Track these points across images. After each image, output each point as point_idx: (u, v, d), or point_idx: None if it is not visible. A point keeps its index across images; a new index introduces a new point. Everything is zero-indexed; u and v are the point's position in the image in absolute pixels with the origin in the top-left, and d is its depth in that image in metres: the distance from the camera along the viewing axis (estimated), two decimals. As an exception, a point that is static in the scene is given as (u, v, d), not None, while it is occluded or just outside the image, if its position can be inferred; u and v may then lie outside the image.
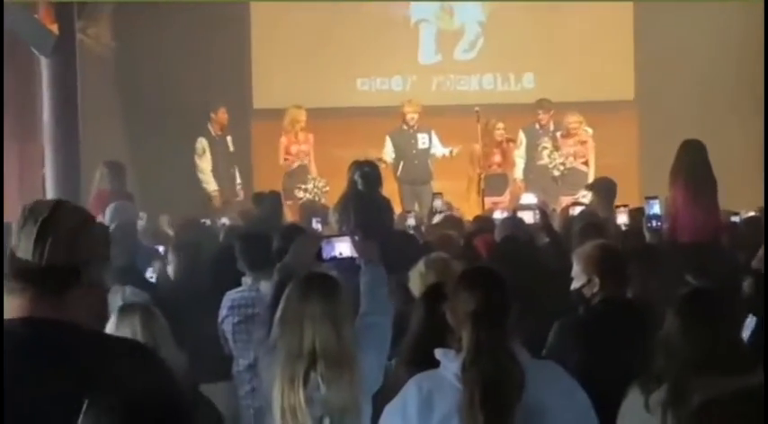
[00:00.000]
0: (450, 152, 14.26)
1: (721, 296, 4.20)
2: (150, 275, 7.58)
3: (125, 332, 4.76)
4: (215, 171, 14.53)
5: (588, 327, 5.21)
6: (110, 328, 4.81)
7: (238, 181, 14.76)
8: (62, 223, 2.93)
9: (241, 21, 16.29)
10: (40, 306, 2.89)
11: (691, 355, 3.94)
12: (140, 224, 10.41)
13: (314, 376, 4.30)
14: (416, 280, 5.85)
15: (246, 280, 6.69)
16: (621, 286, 5.39)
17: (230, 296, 6.65)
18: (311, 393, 4.29)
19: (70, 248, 2.93)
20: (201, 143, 14.52)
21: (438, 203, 10.30)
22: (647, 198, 8.24)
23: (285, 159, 14.58)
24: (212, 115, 14.58)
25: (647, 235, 7.88)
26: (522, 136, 14.79)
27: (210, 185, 14.50)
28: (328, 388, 4.29)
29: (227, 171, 14.64)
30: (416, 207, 13.25)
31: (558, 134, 14.56)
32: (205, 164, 14.52)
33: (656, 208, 8.03)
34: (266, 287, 6.47)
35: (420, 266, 5.92)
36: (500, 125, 14.47)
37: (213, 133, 14.62)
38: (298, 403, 4.28)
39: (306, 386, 4.29)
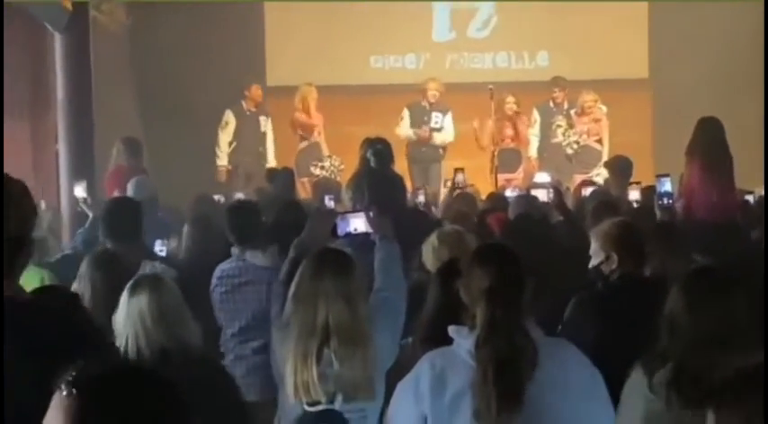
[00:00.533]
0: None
1: (726, 274, 4.18)
2: (160, 248, 7.62)
3: (132, 306, 4.80)
4: (238, 146, 14.46)
5: (606, 302, 5.22)
6: (122, 302, 4.86)
7: (270, 163, 14.44)
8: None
9: (255, -2, 16.28)
10: None
11: (695, 334, 3.92)
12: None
13: (327, 353, 4.29)
14: (429, 254, 5.85)
15: (234, 251, 6.73)
16: (639, 263, 5.41)
17: (221, 267, 6.72)
18: (324, 369, 4.29)
19: (16, 221, 2.91)
20: (227, 115, 14.47)
21: (460, 178, 10.29)
22: (657, 176, 8.22)
23: (300, 137, 14.59)
24: (246, 92, 14.53)
25: (659, 213, 7.87)
26: (535, 115, 14.76)
27: (221, 160, 14.44)
28: (341, 364, 4.29)
29: (254, 148, 14.52)
30: (420, 184, 13.24)
31: (573, 112, 14.54)
32: (224, 138, 14.46)
33: (667, 186, 8.01)
34: (252, 256, 6.59)
35: (433, 239, 5.91)
36: (510, 98, 14.43)
37: (245, 108, 14.57)
38: (311, 379, 4.27)
39: (319, 363, 4.28)
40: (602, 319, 5.11)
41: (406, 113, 14.49)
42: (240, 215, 6.84)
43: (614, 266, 5.34)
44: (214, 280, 6.67)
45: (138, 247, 6.79)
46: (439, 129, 14.46)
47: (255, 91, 14.57)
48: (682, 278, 4.13)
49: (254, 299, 6.56)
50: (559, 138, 14.41)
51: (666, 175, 8.16)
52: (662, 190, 7.98)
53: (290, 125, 14.64)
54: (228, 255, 6.85)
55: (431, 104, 14.48)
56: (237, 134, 14.47)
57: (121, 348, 4.76)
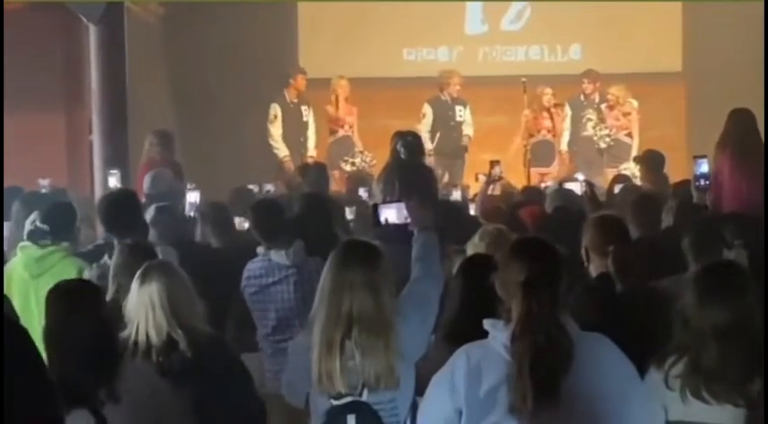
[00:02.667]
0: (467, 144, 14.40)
1: (739, 270, 4.17)
2: None
3: (143, 294, 4.93)
4: (285, 138, 14.45)
5: (579, 308, 5.06)
6: (132, 290, 5.00)
7: (310, 152, 14.51)
8: None
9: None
10: None
11: (707, 328, 3.91)
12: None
13: (349, 345, 4.30)
14: (471, 251, 5.83)
15: (260, 250, 6.73)
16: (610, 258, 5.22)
17: (248, 266, 6.72)
18: (346, 362, 4.30)
19: None
20: (274, 109, 14.44)
21: (497, 171, 10.32)
22: (695, 157, 8.20)
23: (330, 131, 14.62)
24: (291, 81, 14.49)
25: (695, 195, 7.82)
26: (567, 109, 14.75)
27: (281, 151, 14.36)
28: (363, 355, 4.29)
29: (297, 140, 14.49)
30: (446, 179, 13.23)
31: (603, 106, 14.51)
32: (276, 131, 14.40)
33: (704, 167, 7.98)
34: (277, 256, 6.56)
35: (475, 237, 5.91)
36: (547, 90, 14.43)
37: (288, 99, 14.56)
38: (334, 370, 4.28)
39: (342, 353, 4.29)
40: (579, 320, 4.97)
41: (428, 109, 14.50)
42: (263, 213, 6.83)
43: (588, 263, 5.25)
44: (243, 280, 6.69)
45: (142, 237, 6.74)
46: (462, 123, 14.49)
47: (300, 80, 14.52)
48: (696, 274, 4.13)
49: (282, 299, 6.58)
50: (590, 132, 14.40)
51: (704, 156, 8.12)
52: (699, 172, 7.94)
53: (323, 116, 14.69)
54: (240, 241, 6.87)
55: (453, 98, 14.50)
56: (284, 126, 14.48)
57: (132, 335, 4.89)
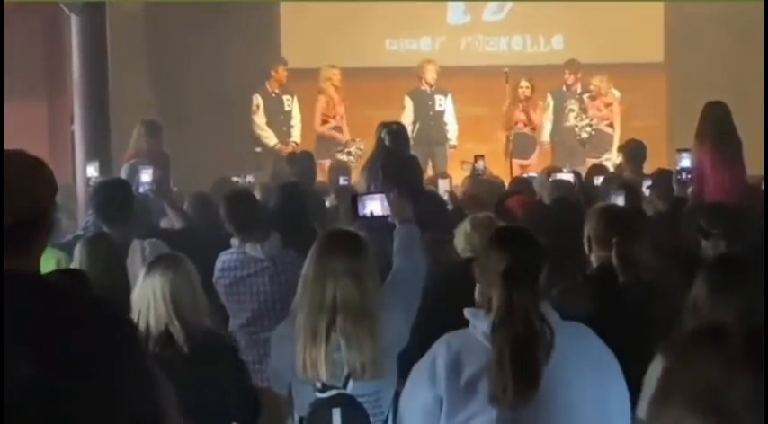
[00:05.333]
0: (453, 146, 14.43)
1: (748, 263, 4.18)
2: None
3: (146, 284, 5.00)
4: (269, 127, 14.55)
5: (581, 293, 5.05)
6: (139, 279, 5.07)
7: (292, 138, 14.67)
8: (13, 174, 2.80)
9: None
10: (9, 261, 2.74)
11: (717, 319, 3.93)
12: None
13: (335, 336, 4.31)
14: (461, 239, 5.84)
15: (234, 242, 6.70)
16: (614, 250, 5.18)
17: (221, 258, 6.66)
18: (332, 353, 4.31)
19: (29, 198, 2.82)
20: (256, 99, 14.60)
21: (480, 165, 10.32)
22: (678, 151, 8.25)
23: (323, 121, 14.62)
24: (273, 73, 14.63)
25: (676, 188, 7.85)
26: (549, 99, 14.77)
27: (270, 139, 14.52)
28: (348, 344, 4.30)
29: (280, 129, 14.60)
30: (429, 168, 13.25)
31: (586, 96, 14.53)
32: (260, 120, 14.55)
33: (686, 161, 8.03)
34: (252, 249, 6.52)
35: (466, 225, 5.91)
36: (524, 82, 14.41)
37: (270, 90, 14.68)
38: (318, 358, 4.29)
39: (328, 343, 4.30)
40: (579, 310, 4.93)
41: (408, 102, 14.53)
42: (237, 205, 6.79)
43: (590, 253, 5.24)
44: (216, 272, 6.64)
45: (132, 227, 6.75)
46: (442, 112, 14.51)
47: (281, 72, 14.68)
48: (706, 265, 4.15)
49: (259, 291, 6.55)
50: (571, 122, 14.42)
51: (687, 150, 8.17)
52: (681, 165, 7.99)
53: (307, 106, 14.69)
54: (223, 234, 6.87)
55: (431, 88, 14.54)
56: (267, 115, 14.54)
57: (135, 320, 4.90)
